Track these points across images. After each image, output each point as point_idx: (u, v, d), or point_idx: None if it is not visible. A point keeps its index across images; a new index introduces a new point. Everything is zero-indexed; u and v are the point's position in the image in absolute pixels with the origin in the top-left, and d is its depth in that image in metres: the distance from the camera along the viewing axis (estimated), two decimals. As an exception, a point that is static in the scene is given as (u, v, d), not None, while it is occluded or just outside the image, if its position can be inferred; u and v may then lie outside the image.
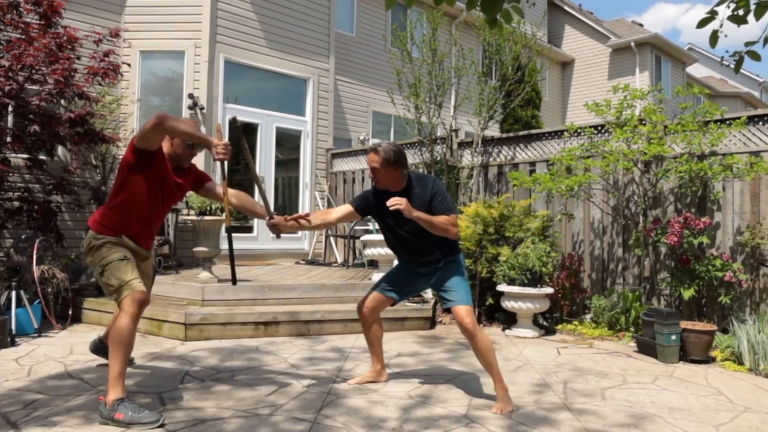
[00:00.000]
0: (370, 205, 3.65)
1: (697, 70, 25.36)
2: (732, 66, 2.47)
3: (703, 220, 5.22)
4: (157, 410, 3.17)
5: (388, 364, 4.38)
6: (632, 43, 18.12)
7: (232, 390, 3.65)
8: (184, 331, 5.08)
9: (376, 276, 6.47)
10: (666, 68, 19.06)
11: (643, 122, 5.71)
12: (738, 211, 5.39)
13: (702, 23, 2.32)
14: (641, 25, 22.40)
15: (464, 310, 3.42)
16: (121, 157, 7.85)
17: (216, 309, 5.37)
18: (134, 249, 3.44)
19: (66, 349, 4.70)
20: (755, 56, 2.34)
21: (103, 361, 3.99)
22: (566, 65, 19.59)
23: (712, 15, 2.28)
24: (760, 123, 5.33)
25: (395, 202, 3.25)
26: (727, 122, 5.37)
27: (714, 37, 2.33)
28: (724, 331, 5.08)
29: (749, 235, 5.22)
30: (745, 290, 5.23)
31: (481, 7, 2.00)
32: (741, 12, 2.18)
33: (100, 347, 4.01)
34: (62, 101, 6.35)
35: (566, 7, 19.52)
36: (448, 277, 3.54)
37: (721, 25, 2.27)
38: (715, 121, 5.39)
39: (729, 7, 2.24)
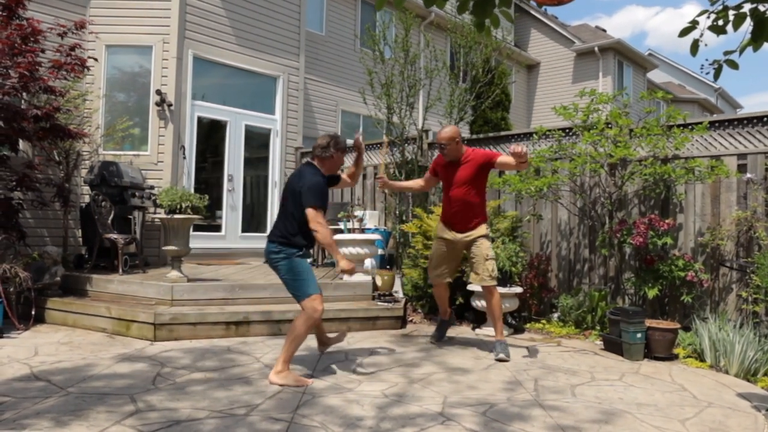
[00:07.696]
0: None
1: (656, 76, 26.10)
2: (711, 74, 2.58)
3: (667, 221, 5.39)
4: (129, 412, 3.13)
5: (361, 363, 4.40)
6: (596, 48, 18.53)
7: (206, 390, 3.62)
8: (154, 332, 5.00)
9: (347, 275, 6.43)
10: (628, 73, 19.56)
11: (609, 125, 5.85)
12: (699, 213, 5.58)
13: (683, 32, 2.42)
14: (604, 30, 22.93)
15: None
16: (86, 152, 7.71)
17: (186, 309, 5.30)
18: None
19: (30, 350, 4.57)
20: (733, 65, 2.45)
21: None
22: (532, 68, 19.92)
23: (693, 25, 2.39)
24: (721, 128, 5.52)
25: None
26: (690, 127, 5.55)
27: (695, 46, 2.43)
28: (686, 329, 5.25)
29: (710, 236, 5.41)
30: (705, 289, 5.42)
31: (473, 10, 2.04)
32: (720, 22, 2.29)
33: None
34: (25, 95, 6.16)
35: (532, 11, 19.85)
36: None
37: (702, 35, 2.37)
38: (678, 126, 5.57)
39: (709, 18, 2.34)
